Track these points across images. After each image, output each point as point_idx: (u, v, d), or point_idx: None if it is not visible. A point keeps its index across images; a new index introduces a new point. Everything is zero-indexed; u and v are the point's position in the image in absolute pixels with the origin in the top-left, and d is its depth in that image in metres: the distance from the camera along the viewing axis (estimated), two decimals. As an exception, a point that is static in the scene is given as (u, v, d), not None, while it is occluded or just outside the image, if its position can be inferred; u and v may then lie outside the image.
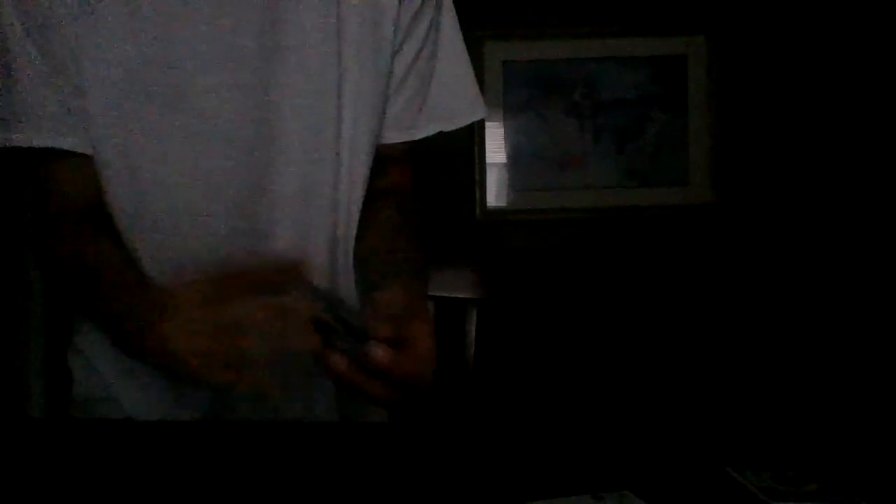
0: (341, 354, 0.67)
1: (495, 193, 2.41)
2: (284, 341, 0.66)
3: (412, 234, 0.95)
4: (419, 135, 1.00)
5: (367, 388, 0.69)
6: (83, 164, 0.85)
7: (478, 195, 2.39)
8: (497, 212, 2.40)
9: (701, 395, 2.26)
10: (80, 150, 0.85)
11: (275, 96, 0.87)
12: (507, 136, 2.40)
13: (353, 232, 0.97)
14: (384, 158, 0.99)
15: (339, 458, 0.77)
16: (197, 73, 0.84)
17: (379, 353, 0.67)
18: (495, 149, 2.39)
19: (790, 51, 2.35)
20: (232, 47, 0.85)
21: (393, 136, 0.98)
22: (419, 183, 1.06)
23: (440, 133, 1.01)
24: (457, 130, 1.03)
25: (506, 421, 1.84)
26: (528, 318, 2.34)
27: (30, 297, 2.20)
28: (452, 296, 1.42)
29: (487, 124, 2.36)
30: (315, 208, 0.93)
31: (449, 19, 1.00)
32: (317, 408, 0.98)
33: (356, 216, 0.96)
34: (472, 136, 2.37)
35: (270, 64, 0.87)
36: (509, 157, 2.40)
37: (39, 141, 0.83)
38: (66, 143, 0.84)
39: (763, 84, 2.37)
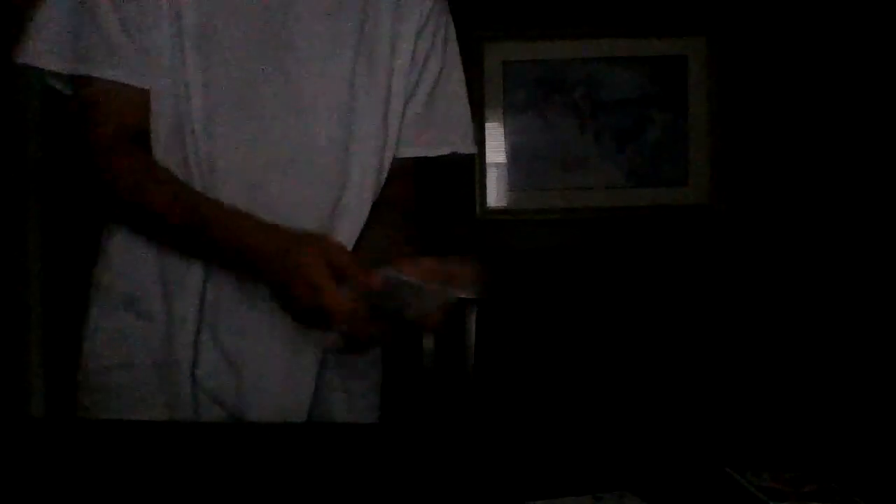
0: None
1: (495, 193, 2.40)
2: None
3: (408, 241, 1.05)
4: (434, 152, 1.11)
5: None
6: (140, 95, 0.97)
7: (478, 195, 2.39)
8: (497, 212, 2.40)
9: (701, 396, 2.25)
10: (141, 84, 0.96)
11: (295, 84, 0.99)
12: (507, 136, 2.39)
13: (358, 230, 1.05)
14: (392, 172, 1.07)
15: (340, 458, 0.77)
16: (238, 49, 0.97)
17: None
18: (495, 149, 2.39)
19: (790, 51, 2.35)
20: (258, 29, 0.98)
21: (409, 151, 1.09)
22: (420, 190, 1.15)
23: None
24: None
25: (506, 421, 1.84)
26: (528, 317, 2.34)
27: (29, 296, 2.20)
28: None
29: (487, 124, 2.36)
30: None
31: (457, 62, 1.13)
32: (332, 407, 1.01)
33: (363, 218, 1.04)
34: (473, 136, 2.37)
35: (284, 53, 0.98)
36: (509, 157, 2.40)
37: (114, 75, 0.96)
38: (134, 79, 0.96)
39: (763, 84, 2.37)
